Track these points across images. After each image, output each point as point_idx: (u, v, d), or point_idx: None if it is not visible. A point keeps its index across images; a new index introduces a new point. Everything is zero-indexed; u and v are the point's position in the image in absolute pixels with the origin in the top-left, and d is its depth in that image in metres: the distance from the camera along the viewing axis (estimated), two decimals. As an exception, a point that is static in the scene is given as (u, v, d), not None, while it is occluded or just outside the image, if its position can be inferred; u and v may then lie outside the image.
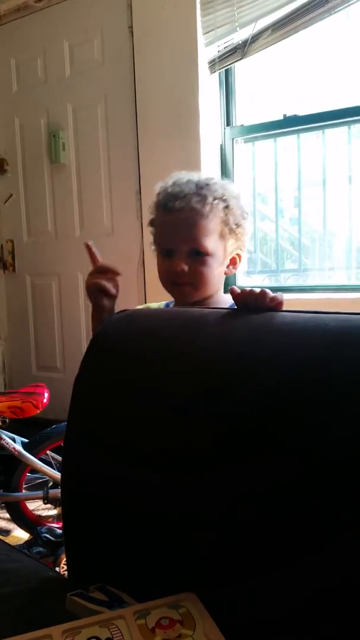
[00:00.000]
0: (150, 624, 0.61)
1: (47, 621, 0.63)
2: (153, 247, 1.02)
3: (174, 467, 0.70)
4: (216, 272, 0.95)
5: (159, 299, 2.23)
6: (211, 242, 0.93)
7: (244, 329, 0.71)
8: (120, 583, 0.71)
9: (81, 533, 0.79)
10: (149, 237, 2.26)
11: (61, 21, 2.44)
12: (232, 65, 2.09)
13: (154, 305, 1.09)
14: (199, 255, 0.92)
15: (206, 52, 2.07)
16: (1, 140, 2.73)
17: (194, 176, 0.96)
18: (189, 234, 0.92)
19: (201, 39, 2.05)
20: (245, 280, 2.29)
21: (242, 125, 2.20)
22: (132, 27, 2.22)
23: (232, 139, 2.21)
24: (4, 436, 1.64)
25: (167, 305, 1.07)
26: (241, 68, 2.20)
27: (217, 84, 2.19)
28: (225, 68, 2.10)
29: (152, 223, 1.02)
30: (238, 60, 2.05)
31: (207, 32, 2.05)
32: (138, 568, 0.72)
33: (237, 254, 1.00)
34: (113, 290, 0.95)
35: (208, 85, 2.12)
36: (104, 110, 2.37)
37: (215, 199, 0.93)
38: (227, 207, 0.94)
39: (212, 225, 0.93)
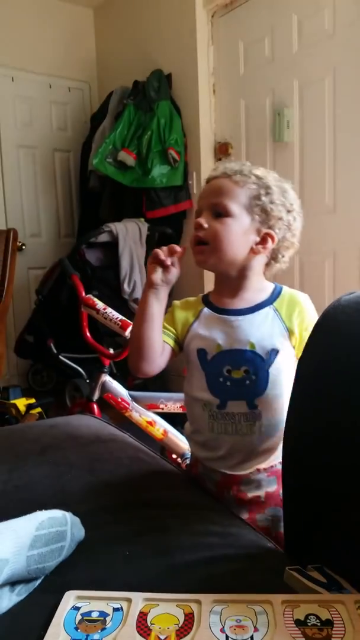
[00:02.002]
0: (372, 617, 0.59)
1: (264, 588, 0.66)
2: None
3: None
4: (236, 237, 0.93)
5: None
6: (233, 205, 0.93)
7: None
8: (338, 568, 0.71)
9: (303, 510, 0.80)
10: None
11: (291, -5, 2.40)
12: None
13: (191, 299, 1.05)
14: (220, 216, 0.93)
15: None
16: (227, 124, 2.83)
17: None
18: (214, 194, 0.94)
19: None
20: None
21: None
22: (367, -12, 2.07)
23: None
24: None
25: (204, 295, 1.04)
26: None
27: None
28: None
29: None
30: None
31: None
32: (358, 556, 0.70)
33: (269, 234, 0.95)
34: (163, 257, 0.92)
35: None
36: (332, 83, 2.28)
37: (251, 174, 0.95)
38: (263, 183, 0.94)
39: (240, 192, 0.93)
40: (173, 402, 1.71)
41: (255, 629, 0.59)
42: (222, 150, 2.85)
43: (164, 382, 2.75)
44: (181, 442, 1.74)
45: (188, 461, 1.72)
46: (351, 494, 0.72)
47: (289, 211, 0.97)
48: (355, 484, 0.72)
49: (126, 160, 2.83)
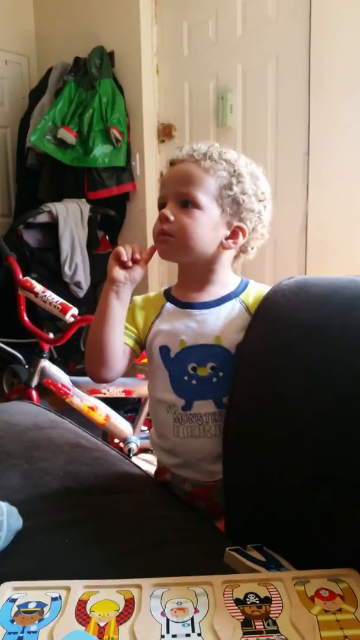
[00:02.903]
0: (309, 592, 0.61)
1: (205, 570, 0.67)
2: None
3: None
4: (205, 232, 0.85)
5: (321, 267, 2.15)
6: (201, 195, 0.84)
7: None
8: (277, 547, 0.72)
9: (242, 492, 0.81)
10: (314, 201, 2.19)
11: (236, -23, 2.38)
12: None
13: (151, 294, 0.98)
14: (187, 206, 0.85)
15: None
16: (170, 106, 2.79)
17: (210, 143, 0.90)
18: (181, 182, 0.86)
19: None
20: None
21: None
22: (310, -25, 2.08)
23: None
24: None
25: (166, 290, 0.97)
26: None
27: None
28: None
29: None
30: None
31: None
32: (297, 535, 0.72)
33: (240, 227, 0.88)
34: (125, 258, 0.85)
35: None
36: (275, 69, 2.29)
37: (222, 159, 0.86)
38: (235, 171, 0.87)
39: (208, 180, 0.85)
40: (115, 387, 1.69)
41: (196, 610, 0.60)
42: (165, 132, 2.82)
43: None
44: (123, 426, 1.73)
45: (131, 445, 1.71)
46: (286, 475, 0.74)
47: (260, 200, 0.89)
48: (290, 465, 0.73)
49: (66, 138, 2.73)
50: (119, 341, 0.89)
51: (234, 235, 0.89)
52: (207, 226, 0.86)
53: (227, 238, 0.88)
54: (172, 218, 0.85)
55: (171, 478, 0.96)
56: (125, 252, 0.85)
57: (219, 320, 0.88)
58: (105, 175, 2.78)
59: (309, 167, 2.19)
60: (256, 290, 0.92)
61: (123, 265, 0.85)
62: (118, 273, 0.85)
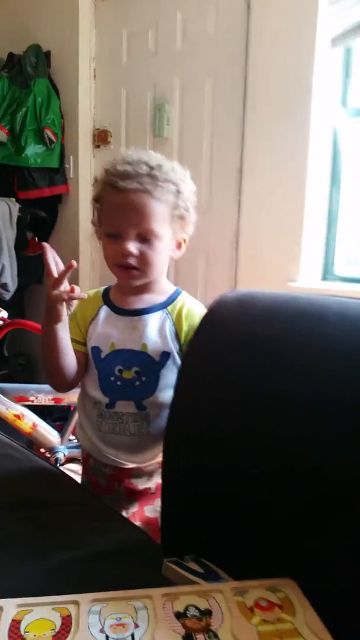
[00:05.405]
0: (248, 602, 0.62)
1: (143, 582, 0.66)
2: (94, 228, 0.98)
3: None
4: (163, 256, 0.93)
5: (252, 279, 2.22)
6: (160, 226, 0.89)
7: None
8: (213, 557, 0.73)
9: (179, 503, 0.81)
10: (245, 216, 2.25)
11: (176, -8, 2.41)
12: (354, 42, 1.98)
13: (91, 292, 1.02)
14: (147, 239, 0.89)
15: (329, 26, 1.97)
16: (107, 111, 2.77)
17: (144, 156, 0.91)
18: (138, 217, 0.88)
19: (324, 11, 1.95)
20: None
21: None
22: (249, -1, 2.15)
23: (348, 121, 2.11)
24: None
25: (105, 290, 1.02)
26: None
27: (337, 63, 2.07)
28: (348, 46, 2.00)
29: (97, 199, 0.95)
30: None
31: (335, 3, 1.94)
32: (233, 546, 0.73)
33: (183, 238, 0.96)
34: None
35: (326, 63, 2.03)
36: (212, 86, 2.33)
37: (166, 181, 0.90)
38: (178, 191, 0.91)
39: (162, 208, 0.89)
40: (45, 394, 1.64)
41: (136, 626, 0.59)
42: (100, 138, 2.79)
43: (31, 373, 2.64)
44: (51, 435, 1.68)
45: (58, 455, 1.67)
46: (223, 484, 0.75)
47: (194, 207, 0.96)
48: (228, 475, 0.74)
49: (-3, 135, 2.64)
50: (73, 358, 0.95)
51: (178, 245, 0.96)
52: (165, 251, 0.93)
53: (173, 249, 0.95)
54: (136, 252, 0.89)
55: (93, 463, 1.03)
56: (65, 292, 0.85)
57: (147, 328, 0.94)
58: (36, 175, 2.70)
59: (242, 184, 2.25)
60: (183, 302, 0.97)
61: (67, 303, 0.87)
62: (64, 311, 0.88)
